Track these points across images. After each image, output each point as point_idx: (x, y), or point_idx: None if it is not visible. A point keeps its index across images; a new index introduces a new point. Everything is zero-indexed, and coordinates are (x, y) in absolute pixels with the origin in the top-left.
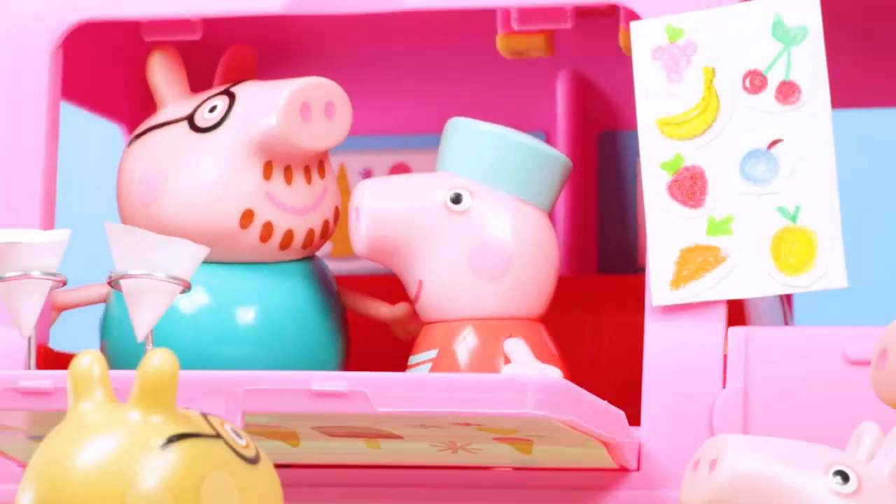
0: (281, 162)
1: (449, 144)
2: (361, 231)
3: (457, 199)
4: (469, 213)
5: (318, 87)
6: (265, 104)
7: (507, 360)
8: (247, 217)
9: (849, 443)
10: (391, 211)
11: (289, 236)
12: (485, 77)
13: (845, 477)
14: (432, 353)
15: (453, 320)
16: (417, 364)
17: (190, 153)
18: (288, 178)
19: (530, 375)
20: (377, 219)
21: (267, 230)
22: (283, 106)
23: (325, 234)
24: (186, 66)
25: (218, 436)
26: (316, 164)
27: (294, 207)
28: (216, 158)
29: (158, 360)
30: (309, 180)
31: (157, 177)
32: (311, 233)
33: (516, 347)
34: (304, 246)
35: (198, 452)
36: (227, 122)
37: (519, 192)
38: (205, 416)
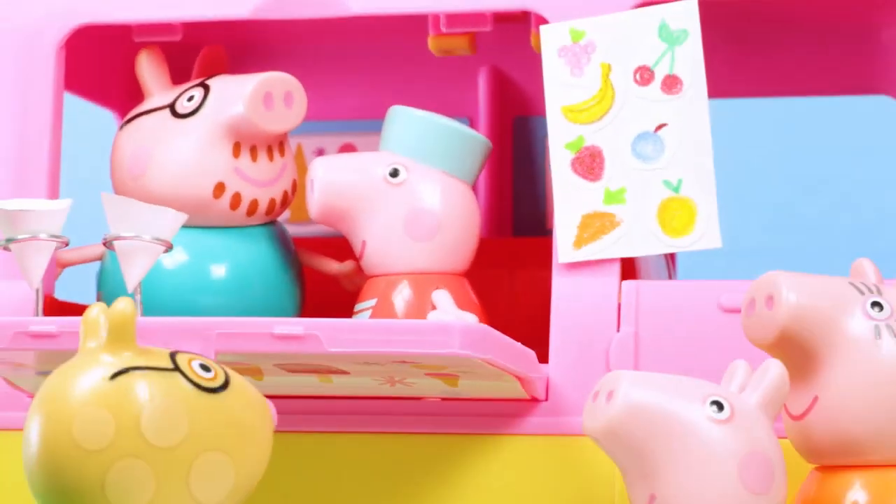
0: (247, 142)
1: (390, 128)
2: (315, 199)
3: (394, 174)
4: (404, 185)
5: (278, 80)
6: (234, 94)
7: (434, 308)
8: (219, 189)
9: (723, 378)
10: (340, 182)
11: (254, 205)
12: (418, 71)
13: (720, 406)
14: (372, 302)
15: (391, 274)
16: (361, 311)
17: (171, 135)
18: (253, 156)
19: (457, 320)
20: (329, 189)
21: (236, 199)
22: (250, 95)
23: (285, 202)
24: (169, 63)
25: (175, 369)
26: (277, 145)
27: (258, 180)
28: (193, 140)
29: (118, 307)
30: (271, 158)
31: (144, 155)
32: (272, 202)
33: (441, 297)
34: (268, 213)
35: (144, 383)
36: (202, 110)
37: (446, 167)
38: (173, 353)
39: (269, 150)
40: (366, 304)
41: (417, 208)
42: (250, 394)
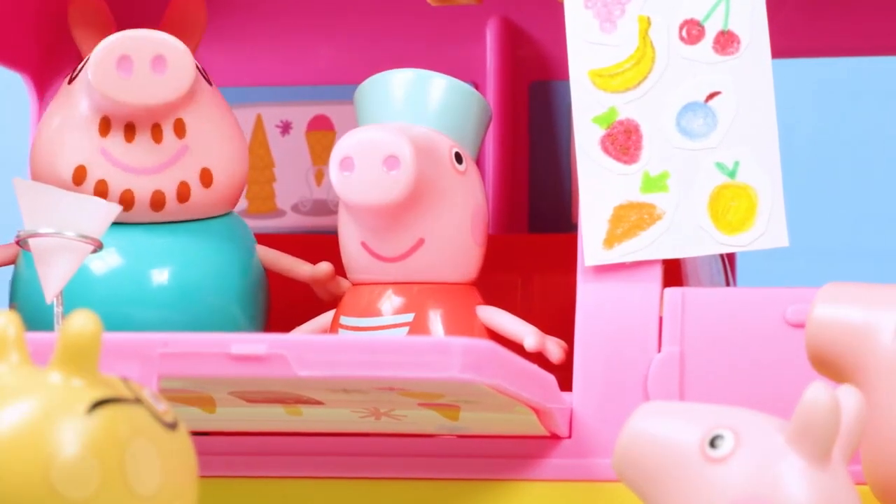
0: (120, 118)
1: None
2: (405, 181)
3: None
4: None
5: (139, 40)
6: None
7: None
8: (79, 173)
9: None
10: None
11: (128, 197)
12: (410, 24)
13: (720, 439)
14: (409, 317)
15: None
16: (371, 328)
17: (58, 105)
18: (128, 135)
19: (457, 338)
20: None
21: (101, 188)
22: (95, 59)
23: (185, 197)
24: (138, 13)
25: (138, 401)
26: (171, 122)
27: (133, 167)
28: (61, 111)
29: (82, 321)
30: (158, 139)
31: (37, 128)
32: (158, 195)
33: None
34: (155, 208)
35: (122, 418)
36: (79, 75)
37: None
38: (125, 380)
39: (156, 129)
40: (386, 320)
41: (482, 203)
42: (186, 431)
